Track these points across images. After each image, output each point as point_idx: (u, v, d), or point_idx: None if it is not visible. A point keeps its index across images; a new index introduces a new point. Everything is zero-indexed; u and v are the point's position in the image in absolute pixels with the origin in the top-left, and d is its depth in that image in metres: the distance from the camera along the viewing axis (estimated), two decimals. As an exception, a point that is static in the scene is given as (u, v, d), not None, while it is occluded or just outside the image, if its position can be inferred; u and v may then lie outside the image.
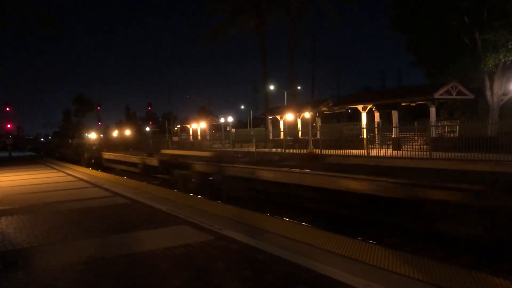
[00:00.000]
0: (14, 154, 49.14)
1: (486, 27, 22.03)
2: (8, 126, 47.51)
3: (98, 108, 70.98)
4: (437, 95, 21.65)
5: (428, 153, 17.76)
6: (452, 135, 20.29)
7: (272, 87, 47.91)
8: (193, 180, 18.65)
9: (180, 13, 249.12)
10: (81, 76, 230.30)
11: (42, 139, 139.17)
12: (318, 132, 27.81)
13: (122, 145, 47.89)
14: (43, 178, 18.46)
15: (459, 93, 22.59)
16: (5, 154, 48.30)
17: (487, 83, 23.53)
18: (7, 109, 46.07)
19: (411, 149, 19.83)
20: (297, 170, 13.71)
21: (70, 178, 18.14)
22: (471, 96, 23.37)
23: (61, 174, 20.42)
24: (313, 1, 35.21)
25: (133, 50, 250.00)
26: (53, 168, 24.98)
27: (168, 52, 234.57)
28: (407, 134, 22.00)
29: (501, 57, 21.58)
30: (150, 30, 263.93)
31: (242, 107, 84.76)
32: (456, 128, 20.95)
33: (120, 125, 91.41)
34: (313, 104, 32.94)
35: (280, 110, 36.71)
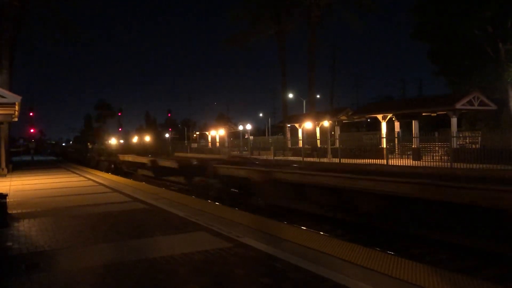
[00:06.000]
0: (36, 158, 50.14)
1: (510, 37, 21.70)
2: (32, 130, 48.63)
3: (119, 114, 72.05)
4: (458, 106, 21.31)
5: (449, 164, 17.51)
6: (474, 146, 19.93)
7: (290, 95, 47.86)
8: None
9: (201, 21, 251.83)
10: (103, 82, 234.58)
11: (63, 144, 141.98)
12: (337, 141, 27.62)
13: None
14: (64, 182, 18.78)
15: (481, 103, 22.19)
16: (28, 158, 49.29)
17: (511, 94, 23.11)
18: (31, 113, 47.14)
19: (432, 160, 19.56)
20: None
21: (90, 182, 18.41)
22: (493, 107, 22.94)
23: (82, 178, 20.74)
24: (333, 9, 35.17)
25: (155, 57, 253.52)
26: (74, 172, 25.41)
27: (188, 60, 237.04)
28: (427, 144, 21.70)
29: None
30: (171, 38, 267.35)
31: (261, 114, 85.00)
32: (478, 139, 20.57)
33: (140, 131, 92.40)
34: (332, 113, 32.81)
35: (298, 118, 36.60)
